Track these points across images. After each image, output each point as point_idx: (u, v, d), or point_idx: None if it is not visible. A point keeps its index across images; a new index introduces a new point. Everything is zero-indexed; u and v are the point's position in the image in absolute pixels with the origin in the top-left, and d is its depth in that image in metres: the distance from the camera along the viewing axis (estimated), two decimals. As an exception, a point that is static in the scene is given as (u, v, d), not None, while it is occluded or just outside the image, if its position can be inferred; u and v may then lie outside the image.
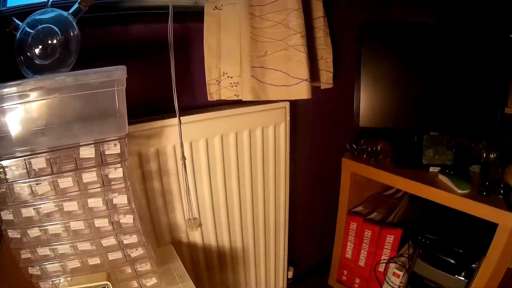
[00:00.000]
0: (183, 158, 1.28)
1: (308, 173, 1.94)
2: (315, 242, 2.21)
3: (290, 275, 1.93)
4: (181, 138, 1.25)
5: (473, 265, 1.51)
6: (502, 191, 1.44)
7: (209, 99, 1.38)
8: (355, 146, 1.83)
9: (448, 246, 1.58)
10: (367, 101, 1.74)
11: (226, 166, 1.41)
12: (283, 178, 1.62)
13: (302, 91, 1.36)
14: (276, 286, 1.83)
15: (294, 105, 1.63)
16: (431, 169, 1.68)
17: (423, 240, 1.63)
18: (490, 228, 1.41)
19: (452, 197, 1.49)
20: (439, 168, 1.66)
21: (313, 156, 1.93)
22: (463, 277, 1.53)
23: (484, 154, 1.67)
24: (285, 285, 1.88)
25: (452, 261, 1.54)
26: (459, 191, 1.49)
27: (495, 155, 1.65)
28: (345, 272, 2.06)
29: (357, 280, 2.01)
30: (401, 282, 1.80)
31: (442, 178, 1.59)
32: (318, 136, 1.91)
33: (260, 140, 1.47)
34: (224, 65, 1.37)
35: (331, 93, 1.73)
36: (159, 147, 1.24)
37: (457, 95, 1.69)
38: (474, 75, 1.66)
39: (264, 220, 1.62)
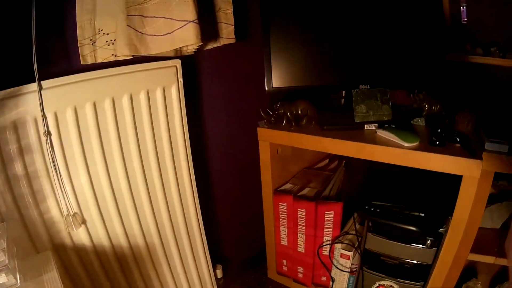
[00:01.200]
0: (48, 133, 1.05)
1: (220, 149, 1.71)
2: (245, 232, 2.00)
3: (220, 274, 1.71)
4: (42, 107, 1.01)
5: (440, 229, 1.35)
6: (458, 139, 1.30)
7: (82, 62, 1.14)
8: (271, 112, 1.61)
9: (404, 211, 1.40)
10: (280, 57, 1.54)
11: (105, 143, 1.17)
12: (183, 156, 1.40)
13: (188, 36, 1.15)
14: None
15: (192, 66, 1.45)
16: (367, 127, 1.52)
17: (371, 209, 1.45)
18: (451, 183, 1.27)
19: (399, 152, 1.33)
20: (376, 125, 1.51)
21: (224, 129, 1.70)
22: (429, 246, 1.37)
23: (427, 106, 1.54)
24: (215, 286, 1.67)
25: (413, 228, 1.36)
26: (407, 144, 1.33)
27: (438, 106, 1.53)
28: (285, 261, 1.87)
29: (300, 269, 1.82)
30: (352, 264, 1.63)
31: (382, 133, 1.44)
32: (227, 103, 1.69)
33: (146, 108, 1.24)
34: (99, 21, 1.14)
35: (238, 51, 1.58)
36: (17, 120, 0.99)
37: (387, 42, 1.55)
38: (404, 19, 1.53)
39: (167, 210, 1.39)
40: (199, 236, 1.53)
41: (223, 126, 1.69)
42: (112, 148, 1.19)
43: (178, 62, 1.29)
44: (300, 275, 1.84)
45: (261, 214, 1.83)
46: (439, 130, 1.33)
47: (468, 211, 1.24)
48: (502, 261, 1.32)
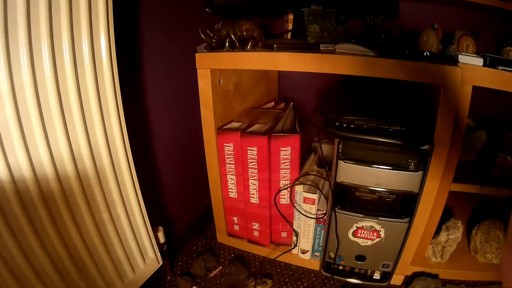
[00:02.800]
0: None
1: (156, 84, 1.40)
2: (188, 187, 1.72)
3: (162, 238, 1.44)
4: None
5: (425, 146, 1.14)
6: (428, 54, 1.16)
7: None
8: (211, 34, 1.33)
9: (382, 126, 1.17)
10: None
11: (13, 46, 0.84)
12: (108, 78, 1.07)
13: None
14: (145, 258, 1.33)
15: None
16: (323, 47, 1.34)
17: (344, 125, 1.19)
18: (424, 97, 1.18)
19: (367, 61, 1.14)
20: (333, 45, 1.33)
21: (160, 57, 1.40)
22: (414, 169, 1.17)
23: (384, 34, 1.43)
24: (158, 253, 1.39)
25: (396, 141, 1.13)
26: (373, 53, 1.16)
27: (397, 30, 1.48)
28: (235, 219, 1.62)
29: (256, 225, 1.58)
30: (318, 210, 1.41)
31: (343, 48, 1.29)
32: (166, 25, 1.40)
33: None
34: None
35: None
36: None
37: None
38: None
39: (88, 141, 1.04)
40: (131, 187, 1.20)
41: (159, 54, 1.40)
42: (19, 52, 0.86)
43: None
44: (256, 234, 1.60)
45: (205, 163, 1.55)
46: (407, 39, 1.25)
47: (451, 126, 1.12)
48: (487, 190, 1.26)
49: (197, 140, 1.56)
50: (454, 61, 1.10)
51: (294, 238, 1.54)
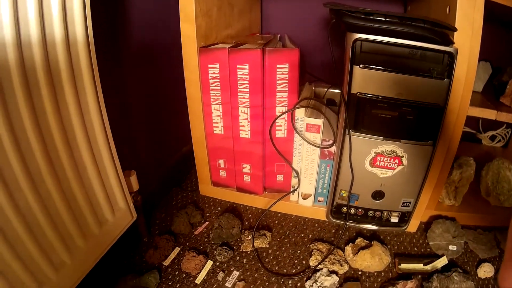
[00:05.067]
0: None
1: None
2: (163, 131, 1.40)
3: (135, 184, 1.12)
4: None
5: (449, 48, 0.90)
6: None
7: None
8: None
9: (405, 21, 0.91)
10: None
11: None
12: None
13: None
14: (115, 209, 1.00)
15: None
16: None
17: (362, 16, 0.92)
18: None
19: None
20: None
21: None
22: (440, 73, 0.93)
23: None
24: (131, 204, 1.06)
25: (426, 34, 0.89)
26: None
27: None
28: (222, 162, 1.31)
29: (246, 167, 1.28)
30: (324, 140, 1.15)
31: None
32: None
33: None
34: None
35: None
36: None
37: None
38: None
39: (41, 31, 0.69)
40: (91, 90, 0.85)
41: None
42: None
43: None
44: (247, 179, 1.31)
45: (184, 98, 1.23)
46: None
47: (470, 29, 0.94)
48: (503, 117, 1.17)
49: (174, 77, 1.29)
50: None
51: (294, 181, 1.26)
